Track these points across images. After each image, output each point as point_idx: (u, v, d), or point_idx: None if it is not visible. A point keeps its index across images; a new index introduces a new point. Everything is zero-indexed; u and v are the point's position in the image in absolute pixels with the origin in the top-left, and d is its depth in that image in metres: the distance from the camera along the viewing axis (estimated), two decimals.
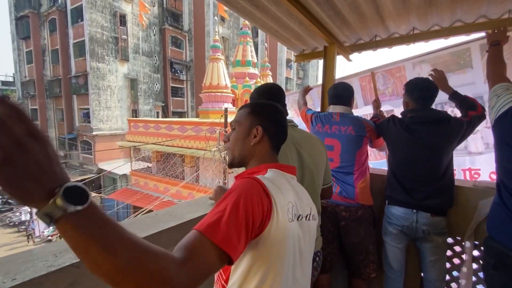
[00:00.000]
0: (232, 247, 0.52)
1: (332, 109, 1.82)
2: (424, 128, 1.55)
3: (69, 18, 18.19)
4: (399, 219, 1.63)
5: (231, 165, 0.83)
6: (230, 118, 10.98)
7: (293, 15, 2.07)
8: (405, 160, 1.65)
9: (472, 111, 1.57)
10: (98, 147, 17.75)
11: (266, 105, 0.86)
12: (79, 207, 0.37)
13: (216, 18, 13.96)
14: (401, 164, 1.68)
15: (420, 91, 1.62)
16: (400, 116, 1.73)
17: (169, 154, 11.84)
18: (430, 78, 1.74)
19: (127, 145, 13.28)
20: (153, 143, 11.73)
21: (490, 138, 2.57)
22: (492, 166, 2.53)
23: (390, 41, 2.37)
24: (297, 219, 0.71)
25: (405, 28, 2.19)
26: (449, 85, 1.71)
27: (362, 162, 1.81)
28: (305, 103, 2.20)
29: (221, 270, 0.69)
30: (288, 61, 27.25)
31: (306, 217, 0.75)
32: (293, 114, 3.36)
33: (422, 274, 1.82)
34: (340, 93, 1.84)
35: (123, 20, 19.03)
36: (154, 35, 21.35)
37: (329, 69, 2.29)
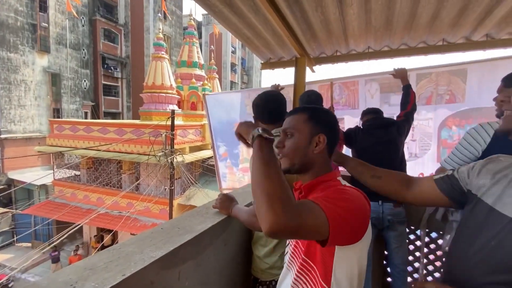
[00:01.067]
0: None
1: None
2: (378, 130, 1.99)
3: None
4: None
5: (288, 171, 0.81)
6: (177, 121, 10.47)
7: (268, 24, 2.15)
8: (368, 158, 1.93)
9: (403, 111, 2.12)
10: (8, 153, 14.80)
11: (324, 111, 0.86)
12: (267, 136, 0.73)
13: (159, 15, 13.18)
14: (365, 162, 1.95)
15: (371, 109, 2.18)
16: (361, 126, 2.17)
17: (103, 160, 10.62)
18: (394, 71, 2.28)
19: (49, 151, 11.42)
20: (83, 148, 10.36)
21: (414, 148, 3.15)
22: (414, 171, 3.08)
23: (348, 57, 2.66)
24: None
25: (362, 46, 2.50)
26: (407, 79, 2.23)
27: (335, 165, 2.00)
28: None
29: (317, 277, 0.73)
30: (233, 65, 27.46)
31: None
32: None
33: (384, 261, 2.08)
34: (313, 101, 2.02)
35: (43, 5, 16.36)
36: (83, 25, 18.93)
37: (300, 79, 2.44)
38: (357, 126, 2.15)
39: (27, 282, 10.58)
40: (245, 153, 4.09)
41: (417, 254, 1.97)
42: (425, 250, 1.89)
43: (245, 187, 1.77)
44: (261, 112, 1.26)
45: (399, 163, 1.99)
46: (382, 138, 1.96)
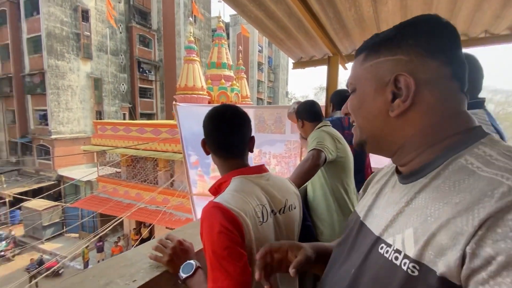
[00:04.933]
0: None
1: (341, 113, 1.98)
2: None
3: (22, 10, 16.55)
4: None
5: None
6: None
7: (301, 26, 2.22)
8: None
9: None
10: (58, 152, 16.36)
11: (207, 118, 0.85)
12: (185, 275, 0.73)
13: (191, 19, 13.73)
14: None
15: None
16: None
17: (141, 158, 11.36)
18: None
19: (94, 150, 12.44)
20: (123, 147, 11.17)
21: None
22: None
23: None
24: (272, 216, 0.77)
25: None
26: None
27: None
28: None
29: None
30: (260, 64, 27.65)
31: (280, 211, 0.80)
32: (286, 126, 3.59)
33: None
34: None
35: (85, 15, 17.79)
36: (120, 32, 20.28)
37: (332, 77, 2.48)
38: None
39: (75, 269, 11.67)
40: None
41: None
42: None
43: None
44: (309, 114, 1.64)
45: None
46: None
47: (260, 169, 0.84)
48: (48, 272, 9.16)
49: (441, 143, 0.43)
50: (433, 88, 0.43)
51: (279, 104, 33.48)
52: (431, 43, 0.44)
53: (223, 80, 12.45)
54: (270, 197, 0.78)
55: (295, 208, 0.86)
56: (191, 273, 0.72)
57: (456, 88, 0.44)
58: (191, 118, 4.14)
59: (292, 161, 3.74)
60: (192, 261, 0.75)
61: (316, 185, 1.61)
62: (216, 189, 0.82)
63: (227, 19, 28.94)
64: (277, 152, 3.74)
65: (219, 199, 0.71)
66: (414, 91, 0.43)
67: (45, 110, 16.77)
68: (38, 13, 15.97)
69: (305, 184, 1.89)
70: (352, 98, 0.54)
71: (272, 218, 0.77)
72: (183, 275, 0.73)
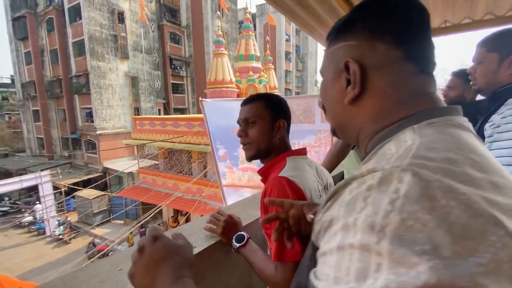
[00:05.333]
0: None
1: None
2: None
3: (67, 17, 18.01)
4: None
5: (255, 157, 0.89)
6: None
7: (334, 12, 2.19)
8: None
9: None
10: (103, 146, 17.82)
11: (279, 98, 0.92)
12: (238, 245, 0.83)
13: (218, 12, 13.91)
14: None
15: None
16: None
17: (176, 151, 11.97)
18: None
19: (134, 143, 13.36)
20: (160, 141, 11.84)
21: None
22: None
23: None
24: (325, 191, 0.85)
25: (438, 21, 2.33)
26: None
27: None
28: None
29: None
30: (287, 53, 27.18)
31: (325, 187, 0.88)
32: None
33: None
34: None
35: (121, 17, 18.86)
36: (153, 31, 21.21)
37: None
38: None
39: (121, 252, 12.80)
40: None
41: None
42: None
43: (250, 199, 1.32)
44: None
45: None
46: None
47: (304, 152, 0.92)
48: (99, 254, 10.21)
49: (387, 129, 0.41)
50: (383, 72, 0.41)
51: (308, 93, 32.76)
52: (379, 25, 0.42)
53: (251, 72, 12.51)
54: (318, 176, 0.86)
55: (332, 187, 0.94)
56: (243, 242, 0.83)
57: (412, 70, 0.41)
58: (217, 113, 4.24)
59: (322, 150, 3.69)
60: (243, 233, 0.85)
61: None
62: (267, 171, 0.88)
63: (253, 10, 28.72)
64: (307, 142, 3.72)
65: (284, 173, 0.77)
66: (360, 77, 0.42)
67: (90, 108, 18.27)
68: (80, 18, 17.26)
69: (340, 171, 1.92)
70: (320, 86, 0.54)
71: (324, 195, 0.84)
72: (236, 244, 0.83)
